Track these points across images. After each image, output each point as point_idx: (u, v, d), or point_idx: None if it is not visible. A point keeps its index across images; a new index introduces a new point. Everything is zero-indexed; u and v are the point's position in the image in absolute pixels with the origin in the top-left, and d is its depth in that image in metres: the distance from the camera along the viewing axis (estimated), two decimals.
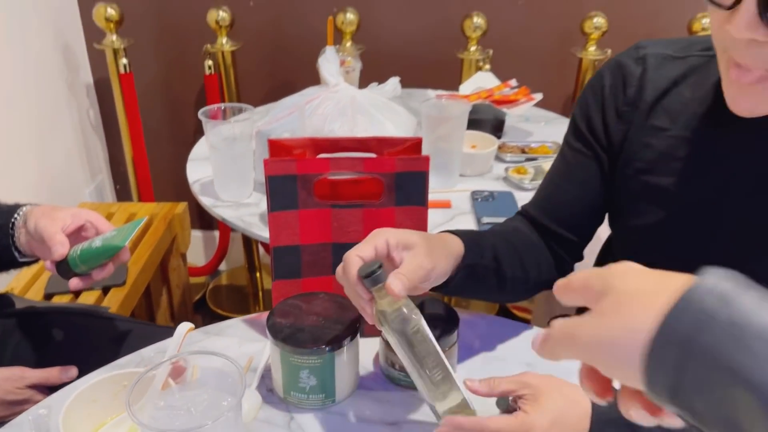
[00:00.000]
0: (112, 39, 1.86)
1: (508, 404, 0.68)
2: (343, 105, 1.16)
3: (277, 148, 0.83)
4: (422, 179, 0.81)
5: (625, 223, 0.83)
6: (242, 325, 0.90)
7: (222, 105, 1.22)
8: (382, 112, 1.19)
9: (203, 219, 2.33)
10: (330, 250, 0.84)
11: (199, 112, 1.19)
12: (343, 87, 1.19)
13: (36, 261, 0.95)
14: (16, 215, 0.90)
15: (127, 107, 1.94)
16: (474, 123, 1.43)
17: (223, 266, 2.33)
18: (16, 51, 1.72)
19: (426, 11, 1.92)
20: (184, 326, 0.71)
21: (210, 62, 1.90)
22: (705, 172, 0.73)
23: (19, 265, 0.95)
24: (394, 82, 1.26)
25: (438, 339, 0.67)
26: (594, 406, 0.66)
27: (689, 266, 0.75)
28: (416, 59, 1.94)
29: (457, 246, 0.76)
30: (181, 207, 1.90)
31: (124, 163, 2.09)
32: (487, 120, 1.46)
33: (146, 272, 1.67)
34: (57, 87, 1.93)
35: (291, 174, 0.79)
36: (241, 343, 0.86)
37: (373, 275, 0.64)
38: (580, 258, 0.92)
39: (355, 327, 0.75)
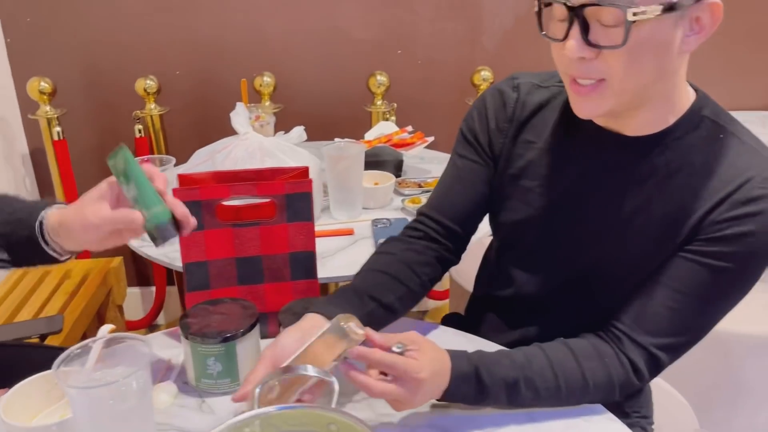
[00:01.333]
0: (46, 109, 2.00)
1: (403, 352, 0.79)
2: (252, 150, 1.34)
3: (187, 180, 1.00)
4: (308, 198, 0.99)
5: (501, 219, 1.01)
6: (164, 336, 1.04)
7: (146, 157, 1.38)
8: (287, 154, 1.37)
9: (141, 276, 2.43)
10: (234, 264, 1.00)
11: None
12: (252, 135, 1.37)
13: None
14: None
15: (61, 173, 2.07)
16: (377, 164, 1.63)
17: (161, 320, 2.42)
18: None
19: (335, 72, 2.15)
20: (107, 327, 0.85)
21: (140, 126, 2.07)
22: (560, 174, 0.92)
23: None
24: (298, 130, 1.45)
25: None
26: (452, 364, 0.82)
27: (547, 252, 0.94)
28: (329, 114, 2.16)
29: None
30: (117, 261, 2.01)
31: None
32: (388, 161, 1.66)
33: (82, 323, 1.77)
34: None
35: (196, 200, 0.95)
36: (161, 349, 1.00)
37: None
38: (463, 249, 1.07)
39: (253, 321, 0.90)
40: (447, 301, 2.28)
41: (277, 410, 0.64)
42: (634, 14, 0.71)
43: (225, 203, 0.98)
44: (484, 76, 2.01)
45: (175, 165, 1.45)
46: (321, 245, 1.33)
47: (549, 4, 0.78)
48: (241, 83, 1.66)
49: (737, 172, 0.80)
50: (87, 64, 2.13)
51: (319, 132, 2.01)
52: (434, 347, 0.82)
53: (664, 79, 0.80)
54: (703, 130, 0.84)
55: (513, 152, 0.97)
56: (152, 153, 2.10)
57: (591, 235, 0.90)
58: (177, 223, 0.81)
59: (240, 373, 0.89)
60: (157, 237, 0.80)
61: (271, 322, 1.00)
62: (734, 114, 0.86)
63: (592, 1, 0.73)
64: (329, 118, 2.14)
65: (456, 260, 1.06)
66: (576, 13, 0.74)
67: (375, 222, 1.43)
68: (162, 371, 0.95)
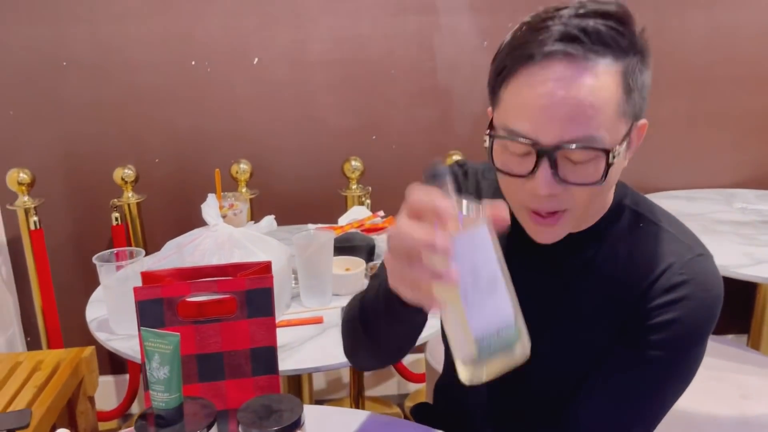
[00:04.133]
0: (24, 199, 2.03)
1: None
2: (221, 241, 1.36)
3: (149, 278, 1.01)
4: (268, 294, 1.00)
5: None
6: None
7: (115, 250, 1.39)
8: (256, 244, 1.39)
9: (115, 363, 2.39)
10: (195, 361, 0.99)
11: (94, 258, 1.35)
12: (221, 226, 1.39)
13: None
14: None
15: (37, 261, 2.07)
16: (349, 249, 1.65)
17: (135, 408, 2.36)
18: None
19: (310, 158, 2.21)
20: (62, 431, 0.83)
21: (117, 214, 2.09)
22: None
23: None
24: (269, 219, 1.48)
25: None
26: None
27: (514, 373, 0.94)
28: (305, 199, 2.20)
29: None
30: (88, 351, 1.98)
31: (35, 315, 2.18)
32: (360, 246, 1.68)
33: (50, 415, 1.73)
34: None
35: (157, 298, 0.96)
36: None
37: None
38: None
39: (210, 422, 0.89)
40: (425, 384, 2.25)
41: None
42: (614, 156, 0.72)
43: (188, 299, 0.99)
44: (457, 160, 2.07)
45: (147, 254, 1.46)
46: (289, 335, 1.34)
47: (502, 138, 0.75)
48: (215, 173, 1.69)
49: (657, 259, 0.81)
50: (66, 153, 2.17)
51: (294, 216, 2.05)
52: None
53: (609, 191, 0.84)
54: (625, 220, 0.85)
55: None
56: (129, 241, 2.11)
57: (534, 331, 0.91)
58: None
59: None
60: (165, 417, 0.87)
61: (231, 420, 0.99)
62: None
63: (564, 144, 0.70)
64: (305, 203, 2.18)
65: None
66: (548, 154, 0.72)
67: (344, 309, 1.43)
68: None
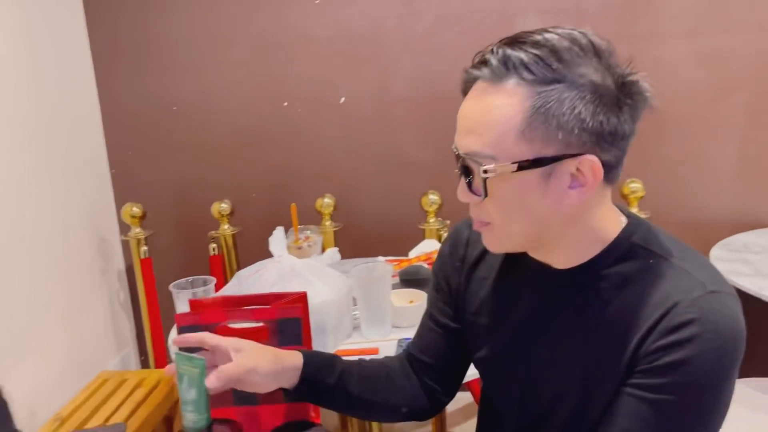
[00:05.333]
0: (136, 231, 2.25)
1: None
2: (283, 272, 1.43)
3: (196, 305, 1.10)
4: (298, 323, 1.04)
5: (472, 358, 1.01)
6: None
7: (191, 278, 1.52)
8: (316, 275, 1.45)
9: None
10: None
11: (170, 285, 1.48)
12: (285, 258, 1.47)
13: None
14: None
15: (146, 287, 2.28)
16: (415, 282, 1.67)
17: None
18: (56, 245, 2.12)
19: (391, 192, 2.27)
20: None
21: (214, 245, 2.26)
22: (509, 312, 0.91)
23: None
24: (331, 251, 1.54)
25: None
26: None
27: (507, 391, 0.92)
28: (385, 232, 2.25)
29: (293, 361, 0.94)
30: None
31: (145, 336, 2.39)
32: (425, 279, 1.69)
33: (144, 430, 1.88)
34: (91, 272, 2.31)
35: (196, 324, 1.04)
36: None
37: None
38: (452, 389, 1.08)
39: None
40: None
41: None
42: (485, 171, 0.75)
43: (228, 325, 1.06)
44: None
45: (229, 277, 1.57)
46: None
47: None
48: (292, 208, 1.79)
49: (664, 297, 0.76)
50: (173, 189, 2.39)
51: (374, 249, 2.10)
52: None
53: (568, 223, 0.79)
54: (634, 258, 0.81)
55: (469, 290, 0.97)
56: (224, 269, 2.27)
57: (540, 374, 0.87)
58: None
59: None
60: None
61: None
62: None
63: (464, 154, 0.78)
64: (385, 236, 2.23)
65: (446, 396, 1.07)
66: (459, 160, 0.79)
67: (401, 342, 1.45)
68: None
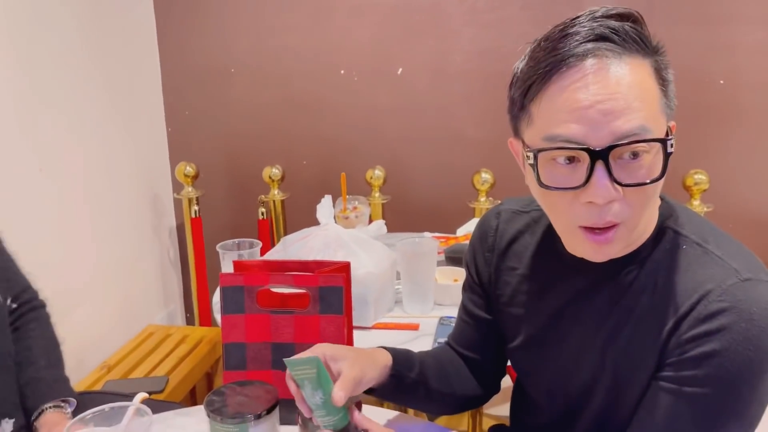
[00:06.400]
0: (189, 190, 2.29)
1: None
2: (329, 241, 1.42)
3: (238, 266, 1.10)
4: (340, 293, 1.03)
5: (506, 347, 0.98)
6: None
7: (238, 240, 1.53)
8: (361, 246, 1.43)
9: None
10: (269, 348, 1.06)
11: (218, 246, 1.49)
12: (331, 227, 1.46)
13: None
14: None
15: (194, 246, 2.32)
16: (461, 261, 1.64)
17: None
18: (112, 198, 2.17)
19: (443, 168, 2.22)
20: (140, 395, 0.94)
21: (263, 209, 2.27)
22: (542, 301, 0.89)
23: None
24: (378, 223, 1.52)
25: None
26: None
27: (542, 380, 0.90)
28: (434, 207, 2.22)
29: (385, 358, 0.93)
30: None
31: (192, 294, 2.45)
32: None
33: (186, 384, 1.93)
34: (144, 228, 2.36)
35: (239, 285, 1.04)
36: (198, 422, 1.07)
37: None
38: (497, 377, 1.07)
39: (270, 407, 0.95)
40: None
41: None
42: (671, 146, 0.69)
43: (270, 289, 1.06)
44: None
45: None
46: (384, 338, 1.36)
47: (544, 150, 0.71)
48: (342, 177, 1.78)
49: (696, 285, 0.72)
50: (226, 151, 2.41)
51: (421, 224, 2.08)
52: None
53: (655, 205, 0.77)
54: (666, 243, 0.76)
55: (500, 280, 0.95)
56: (272, 234, 2.29)
57: (574, 363, 0.84)
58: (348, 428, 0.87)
59: None
60: None
61: (295, 408, 1.04)
62: None
63: (620, 141, 0.67)
64: (433, 211, 2.19)
65: (494, 383, 1.06)
66: (602, 156, 0.67)
67: (442, 320, 1.43)
68: None
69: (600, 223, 0.71)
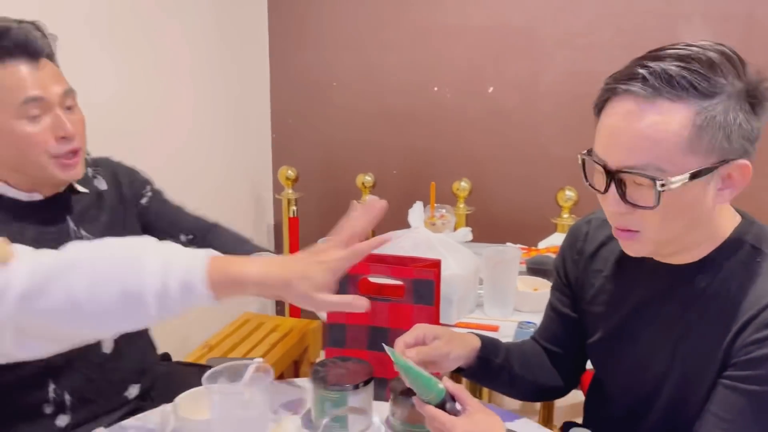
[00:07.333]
0: (289, 192, 2.49)
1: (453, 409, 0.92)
2: (418, 243, 1.56)
3: None
4: (431, 285, 1.16)
5: (585, 343, 1.09)
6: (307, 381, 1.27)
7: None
8: (448, 250, 1.56)
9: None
10: (366, 331, 1.20)
11: (319, 240, 1.65)
12: (422, 230, 1.60)
13: None
14: None
15: (291, 244, 2.52)
16: (541, 272, 1.73)
17: None
18: (219, 196, 2.39)
19: (527, 184, 2.32)
20: (258, 360, 1.10)
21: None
22: (620, 301, 0.99)
23: None
24: (464, 230, 1.64)
25: None
26: None
27: (613, 376, 1.00)
28: (516, 221, 2.31)
29: (474, 342, 1.07)
30: (315, 324, 2.35)
31: None
32: (550, 270, 1.75)
33: (277, 369, 2.11)
34: (246, 224, 2.58)
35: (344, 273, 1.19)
36: (302, 392, 1.22)
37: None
38: (578, 372, 1.18)
39: (366, 380, 1.08)
40: None
41: None
42: (662, 185, 0.78)
43: (368, 278, 1.20)
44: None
45: None
46: None
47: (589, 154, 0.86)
48: (431, 186, 1.91)
49: (763, 294, 0.81)
50: (324, 158, 2.60)
51: (503, 236, 2.17)
52: (484, 417, 0.89)
53: (709, 223, 0.85)
54: (742, 254, 0.85)
55: (585, 281, 1.05)
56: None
57: (646, 359, 0.93)
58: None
59: (349, 423, 1.07)
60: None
61: (388, 390, 1.17)
62: None
63: (624, 169, 0.80)
64: (515, 225, 2.29)
65: (575, 378, 1.17)
66: (613, 176, 0.81)
67: (520, 324, 1.53)
68: (295, 407, 1.17)
69: (618, 224, 0.86)
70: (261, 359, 1.10)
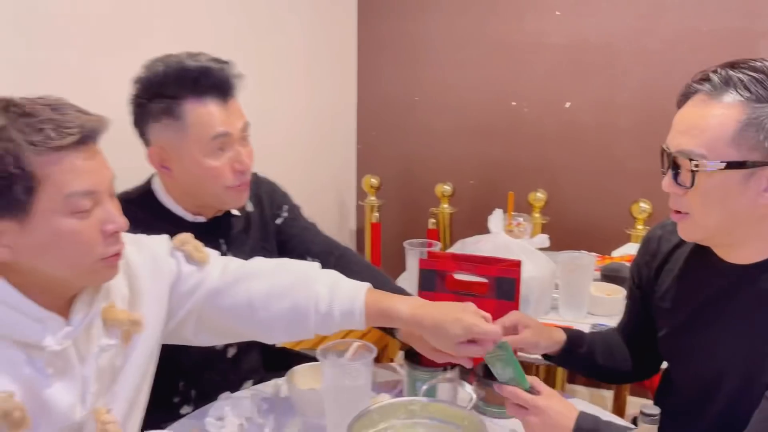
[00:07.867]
0: (372, 199, 2.66)
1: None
2: (498, 247, 1.69)
3: (432, 256, 1.39)
4: (513, 283, 1.29)
5: (656, 336, 1.19)
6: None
7: (425, 240, 1.83)
8: (526, 254, 1.67)
9: None
10: None
11: (405, 242, 1.81)
12: (501, 236, 1.72)
13: None
14: None
15: (372, 248, 2.68)
16: (616, 279, 1.82)
17: None
18: (308, 203, 2.58)
19: (602, 196, 2.40)
20: (357, 342, 1.26)
21: (433, 220, 2.58)
22: (688, 299, 1.09)
23: None
24: (542, 237, 1.76)
25: None
26: (578, 414, 1.01)
27: (679, 369, 1.11)
28: (590, 231, 2.39)
29: (559, 337, 1.22)
30: None
31: None
32: (625, 278, 1.83)
33: None
34: (330, 229, 2.75)
35: (433, 269, 1.34)
36: (395, 375, 1.37)
37: None
38: (656, 360, 1.28)
39: (454, 364, 1.22)
40: None
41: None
42: (696, 166, 0.91)
43: (454, 276, 1.35)
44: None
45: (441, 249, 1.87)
46: None
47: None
48: (509, 195, 2.04)
49: None
50: (405, 167, 2.76)
51: (576, 245, 2.26)
52: (559, 399, 1.02)
53: (758, 222, 0.93)
54: None
55: (657, 280, 1.15)
56: (440, 242, 2.59)
57: (709, 353, 1.03)
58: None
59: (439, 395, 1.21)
60: None
61: (471, 374, 1.31)
62: None
63: (675, 152, 0.95)
64: (589, 235, 2.37)
65: (653, 365, 1.28)
66: (669, 157, 0.96)
67: (594, 326, 1.63)
68: (390, 386, 1.32)
69: (673, 206, 0.99)
70: (358, 343, 1.26)
